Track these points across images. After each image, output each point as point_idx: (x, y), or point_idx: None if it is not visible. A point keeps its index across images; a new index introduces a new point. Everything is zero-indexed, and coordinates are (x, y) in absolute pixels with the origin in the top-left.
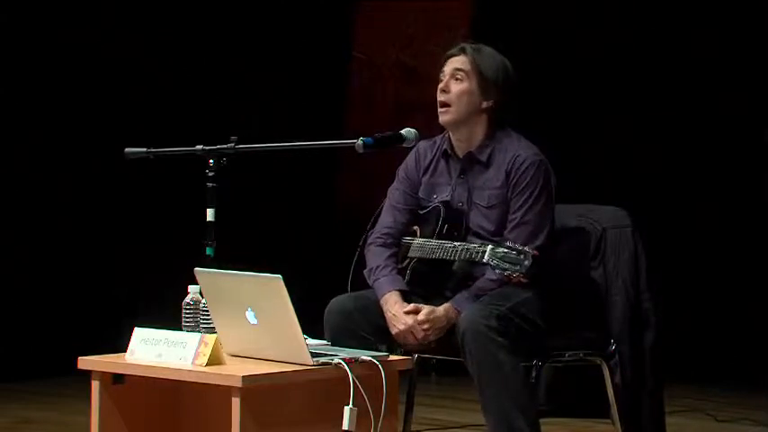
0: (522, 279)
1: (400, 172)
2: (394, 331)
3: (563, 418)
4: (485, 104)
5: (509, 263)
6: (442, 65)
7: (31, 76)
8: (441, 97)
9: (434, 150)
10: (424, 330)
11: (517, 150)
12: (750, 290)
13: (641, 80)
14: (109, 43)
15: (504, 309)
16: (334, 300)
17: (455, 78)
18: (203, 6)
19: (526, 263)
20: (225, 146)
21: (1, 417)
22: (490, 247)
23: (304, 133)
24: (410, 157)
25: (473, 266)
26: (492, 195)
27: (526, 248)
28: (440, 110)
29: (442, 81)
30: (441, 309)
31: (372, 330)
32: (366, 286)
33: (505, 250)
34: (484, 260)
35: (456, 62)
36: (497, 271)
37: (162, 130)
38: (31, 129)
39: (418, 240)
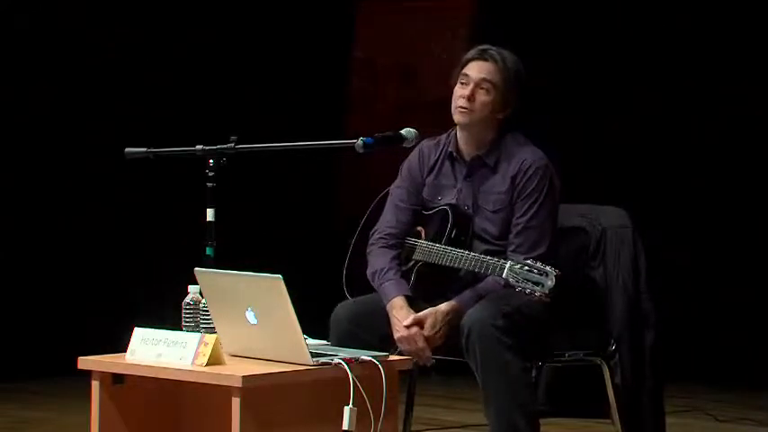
0: (544, 299)
1: (403, 170)
2: (397, 336)
3: (563, 418)
4: (500, 115)
5: (531, 282)
6: (464, 65)
7: (31, 76)
8: (463, 103)
9: (439, 150)
10: (425, 345)
11: (523, 155)
12: (750, 290)
13: (642, 80)
14: (109, 43)
15: (509, 308)
16: (339, 306)
17: (481, 88)
18: (203, 6)
19: (549, 283)
20: (225, 146)
21: (1, 417)
22: (510, 263)
23: (304, 133)
24: (413, 156)
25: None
26: (498, 200)
27: (548, 268)
28: (458, 109)
29: (466, 85)
30: (441, 314)
31: (378, 337)
32: (362, 284)
33: (527, 268)
34: (503, 276)
35: (483, 70)
36: (518, 289)
37: (162, 130)
38: (31, 129)
39: (423, 243)
